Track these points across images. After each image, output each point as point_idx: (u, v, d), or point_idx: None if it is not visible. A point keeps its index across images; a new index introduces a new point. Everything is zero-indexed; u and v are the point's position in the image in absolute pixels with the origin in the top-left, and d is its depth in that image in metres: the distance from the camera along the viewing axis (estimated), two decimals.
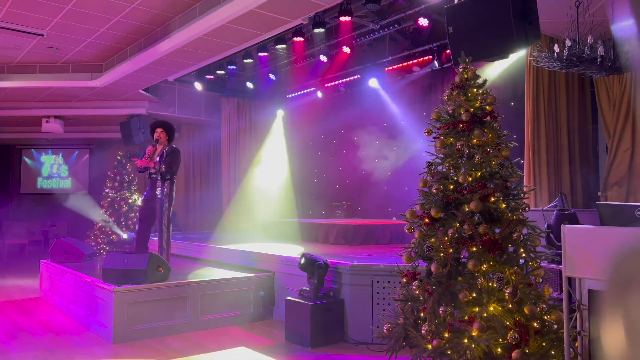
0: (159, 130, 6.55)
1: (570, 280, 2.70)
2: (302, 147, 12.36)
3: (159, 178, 6.42)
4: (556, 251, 3.36)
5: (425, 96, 9.39)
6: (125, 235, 10.33)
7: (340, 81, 10.15)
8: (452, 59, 4.72)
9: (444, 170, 3.60)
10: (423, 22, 7.26)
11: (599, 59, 4.67)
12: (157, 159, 6.42)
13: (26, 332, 5.42)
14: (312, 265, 5.05)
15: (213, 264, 7.24)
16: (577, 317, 2.69)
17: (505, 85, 7.44)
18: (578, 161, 6.55)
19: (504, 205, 3.39)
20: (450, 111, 3.74)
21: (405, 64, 8.91)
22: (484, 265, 3.25)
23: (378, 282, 5.01)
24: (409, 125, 9.33)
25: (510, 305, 3.14)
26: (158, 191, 6.42)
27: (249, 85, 10.99)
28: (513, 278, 3.19)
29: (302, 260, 5.12)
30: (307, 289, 5.09)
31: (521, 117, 6.61)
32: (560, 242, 2.69)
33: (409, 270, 3.60)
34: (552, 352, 3.05)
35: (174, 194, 6.56)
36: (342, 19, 6.94)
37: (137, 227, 6.62)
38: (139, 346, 4.92)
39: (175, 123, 12.05)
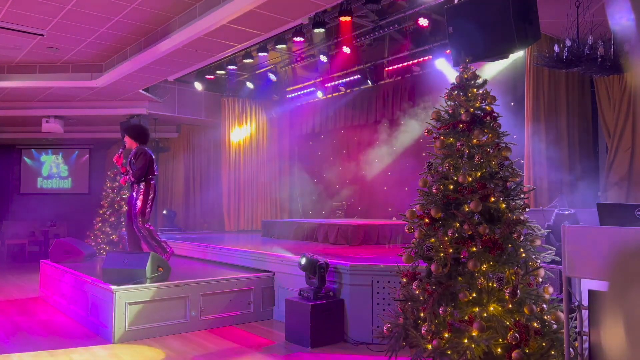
0: (125, 136, 6.69)
1: (570, 280, 2.70)
2: (302, 147, 12.36)
3: (132, 180, 6.49)
4: (556, 251, 3.36)
5: (425, 96, 9.38)
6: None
7: (340, 81, 10.15)
8: (452, 59, 4.72)
9: (444, 170, 3.60)
10: (423, 22, 7.26)
11: (599, 59, 4.67)
12: (128, 164, 6.57)
13: (26, 332, 5.42)
14: (313, 266, 5.05)
15: (213, 264, 7.24)
16: (577, 317, 2.69)
17: (505, 85, 7.43)
18: (578, 161, 6.55)
19: (504, 205, 3.39)
20: (450, 111, 3.74)
21: (405, 64, 8.91)
22: (484, 265, 3.25)
23: (378, 282, 5.00)
24: (409, 125, 9.32)
25: (510, 305, 3.14)
26: (134, 194, 6.47)
27: (249, 85, 10.99)
28: (513, 278, 3.19)
29: (303, 261, 5.12)
30: (307, 288, 5.09)
31: (521, 117, 6.61)
32: (560, 242, 2.68)
33: (409, 270, 3.60)
34: (552, 352, 3.05)
35: (151, 193, 6.50)
36: (342, 19, 6.94)
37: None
38: (139, 346, 4.92)
39: (175, 123, 12.17)
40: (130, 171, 6.43)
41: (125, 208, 10.71)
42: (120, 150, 6.66)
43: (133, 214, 6.43)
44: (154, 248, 6.44)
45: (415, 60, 8.71)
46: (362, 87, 10.08)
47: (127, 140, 6.59)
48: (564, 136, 6.49)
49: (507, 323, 3.10)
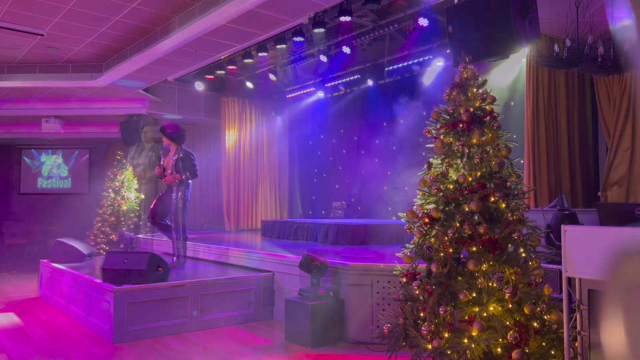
0: (163, 137, 6.85)
1: (570, 280, 2.70)
2: (302, 147, 12.36)
3: (190, 179, 6.69)
4: (556, 251, 3.36)
5: (425, 96, 9.38)
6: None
7: (340, 81, 10.15)
8: (452, 59, 4.72)
9: (444, 170, 3.60)
10: (423, 22, 7.26)
11: (599, 59, 4.67)
12: (173, 164, 6.68)
13: (26, 332, 5.42)
14: (309, 264, 5.06)
15: (213, 264, 7.25)
16: (577, 317, 2.69)
17: (505, 85, 7.43)
18: (578, 161, 6.54)
19: (503, 205, 3.39)
20: (450, 111, 3.74)
21: (405, 63, 8.91)
22: (484, 265, 3.25)
23: (378, 282, 5.00)
24: (409, 124, 9.32)
25: (510, 305, 3.14)
26: (173, 196, 6.66)
27: (249, 85, 10.98)
28: (513, 278, 3.19)
29: (302, 260, 5.13)
30: (307, 288, 5.09)
31: (521, 117, 6.61)
32: (560, 242, 2.68)
33: (409, 270, 3.60)
34: (552, 352, 3.05)
35: (189, 196, 6.76)
36: (342, 19, 6.93)
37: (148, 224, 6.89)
38: (139, 346, 4.92)
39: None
40: (176, 172, 6.58)
41: (125, 208, 10.74)
42: (162, 151, 6.85)
43: (172, 216, 6.58)
44: (174, 251, 6.69)
45: (415, 60, 8.71)
46: (362, 87, 10.07)
47: (165, 141, 6.78)
48: (564, 136, 6.48)
49: (507, 323, 3.10)
